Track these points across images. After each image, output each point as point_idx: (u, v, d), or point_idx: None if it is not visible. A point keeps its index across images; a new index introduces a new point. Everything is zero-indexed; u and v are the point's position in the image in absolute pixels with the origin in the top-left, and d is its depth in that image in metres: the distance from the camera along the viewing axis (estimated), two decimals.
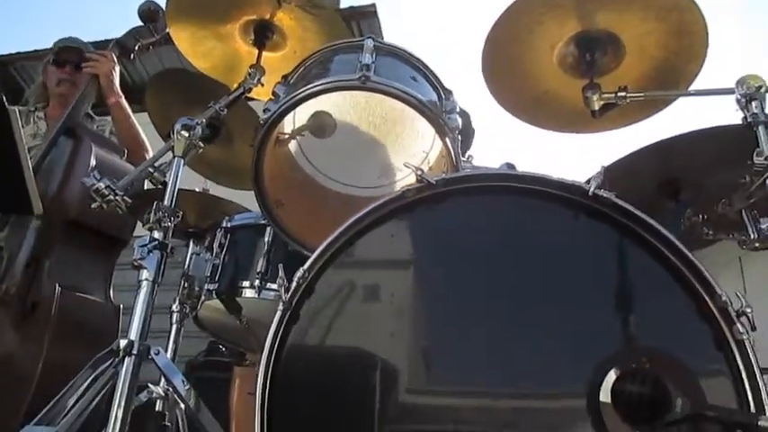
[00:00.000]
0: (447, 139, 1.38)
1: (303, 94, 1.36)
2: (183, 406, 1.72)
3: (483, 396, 1.10)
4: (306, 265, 1.17)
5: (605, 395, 1.07)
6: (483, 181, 1.23)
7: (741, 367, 1.10)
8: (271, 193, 1.50)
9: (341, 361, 1.17)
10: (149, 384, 1.81)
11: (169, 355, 1.96)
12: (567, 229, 1.25)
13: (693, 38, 1.61)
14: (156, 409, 1.86)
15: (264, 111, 1.42)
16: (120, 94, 2.32)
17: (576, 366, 1.14)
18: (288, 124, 1.61)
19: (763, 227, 1.34)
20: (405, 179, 1.63)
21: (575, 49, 1.70)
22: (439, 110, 1.43)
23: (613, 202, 1.20)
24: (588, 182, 1.24)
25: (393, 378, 1.11)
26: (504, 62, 1.73)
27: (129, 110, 2.35)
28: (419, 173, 1.19)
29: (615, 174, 1.69)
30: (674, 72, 1.66)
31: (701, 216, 1.65)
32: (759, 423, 0.99)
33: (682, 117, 1.83)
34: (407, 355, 1.14)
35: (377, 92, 1.35)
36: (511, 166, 1.52)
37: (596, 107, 1.65)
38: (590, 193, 1.19)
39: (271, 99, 1.46)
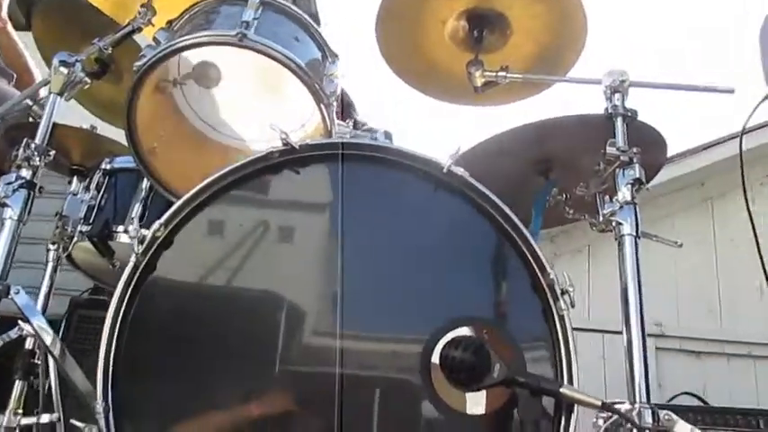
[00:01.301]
0: (321, 105, 1.41)
1: (177, 46, 1.35)
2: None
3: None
4: (162, 219, 1.19)
5: (435, 357, 1.16)
6: (346, 149, 1.28)
7: (560, 339, 1.22)
8: (144, 140, 1.49)
9: (195, 308, 1.21)
10: (19, 321, 1.79)
11: (44, 291, 1.93)
12: (425, 200, 1.32)
13: (574, 27, 1.68)
14: (28, 346, 1.84)
15: (140, 57, 1.40)
16: (7, 20, 2.20)
17: (420, 328, 1.22)
18: (172, 70, 1.60)
19: (605, 211, 1.44)
20: (294, 133, 1.64)
21: (465, 24, 1.75)
22: (319, 73, 1.45)
23: (466, 180, 1.27)
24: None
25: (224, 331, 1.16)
26: (398, 31, 1.76)
27: (15, 36, 2.24)
28: (283, 136, 1.22)
29: (494, 148, 1.79)
30: (556, 57, 1.74)
31: (564, 195, 1.76)
32: (560, 390, 1.11)
33: (572, 99, 1.92)
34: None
35: (253, 50, 1.35)
36: (388, 135, 1.57)
37: (478, 83, 1.71)
38: (445, 170, 1.26)
39: (149, 45, 1.44)
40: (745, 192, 2.01)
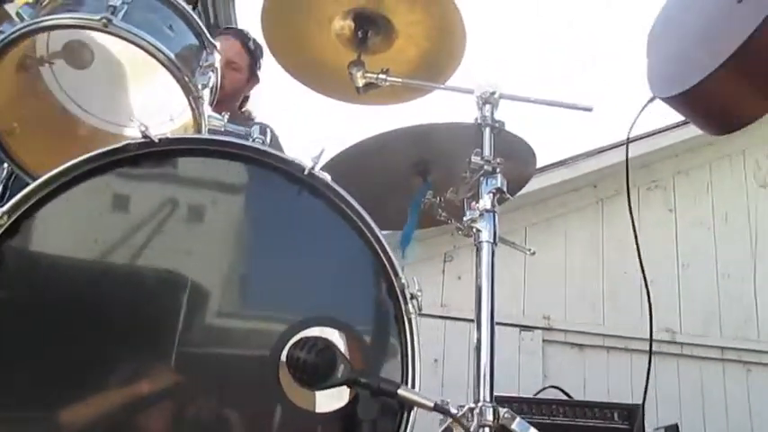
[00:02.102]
0: (191, 98, 1.39)
1: (37, 26, 1.30)
2: None
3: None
4: (6, 207, 1.15)
5: (284, 355, 1.19)
6: (209, 146, 1.27)
7: (408, 341, 1.27)
8: (2, 119, 1.43)
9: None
10: None
11: None
12: (286, 202, 1.33)
13: (454, 36, 1.73)
14: None
15: None
16: None
17: (273, 325, 1.24)
18: (40, 47, 1.53)
19: (466, 218, 1.51)
20: (163, 125, 1.62)
21: (351, 24, 1.77)
22: (192, 64, 1.44)
23: (328, 183, 1.30)
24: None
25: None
26: (284, 25, 1.76)
27: None
28: (142, 128, 1.21)
29: (374, 148, 1.83)
30: (437, 64, 1.79)
31: (438, 198, 1.82)
32: (398, 392, 1.16)
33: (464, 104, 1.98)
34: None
35: (118, 37, 1.32)
36: (263, 130, 1.57)
37: (360, 84, 1.73)
38: (306, 172, 1.28)
39: (8, 21, 1.37)
40: (628, 194, 2.12)
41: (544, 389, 2.69)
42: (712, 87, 1.26)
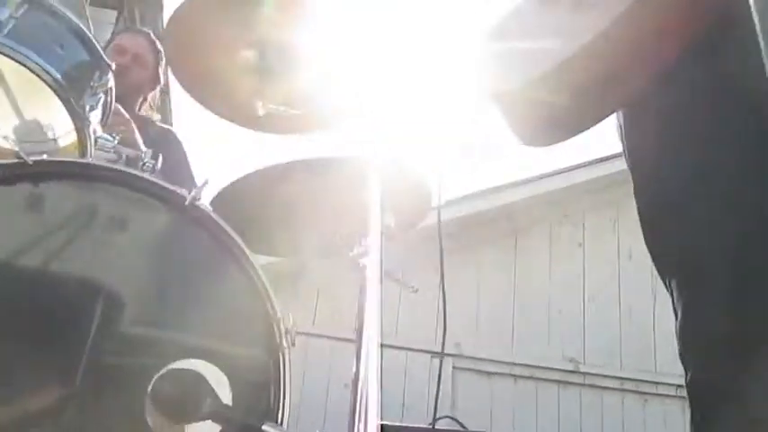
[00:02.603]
0: (76, 120, 1.37)
1: None
2: None
3: None
4: None
5: (149, 388, 1.17)
6: (89, 170, 1.26)
7: (280, 376, 1.29)
8: None
9: None
10: None
11: None
12: (168, 230, 1.33)
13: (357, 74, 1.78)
14: None
15: None
16: None
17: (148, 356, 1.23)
18: None
19: (353, 252, 1.54)
20: (46, 144, 1.58)
21: (256, 52, 1.78)
22: (81, 84, 1.41)
23: (208, 215, 1.30)
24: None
25: None
26: (187, 47, 1.75)
27: None
28: (17, 149, 1.18)
29: (275, 175, 1.84)
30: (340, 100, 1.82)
31: (340, 230, 1.84)
32: (263, 427, 1.17)
33: None
34: None
35: (1, 54, 1.29)
36: (155, 155, 1.55)
37: (260, 113, 1.74)
38: (186, 203, 1.27)
39: None
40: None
41: (439, 419, 2.73)
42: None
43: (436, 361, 4.73)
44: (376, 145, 1.65)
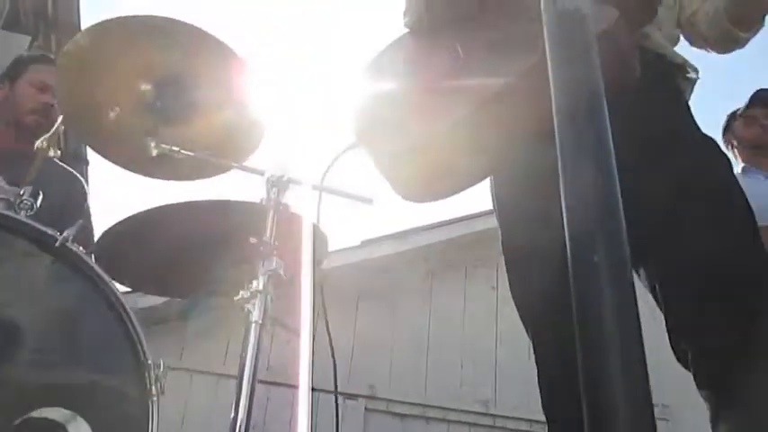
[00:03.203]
0: None
1: None
2: None
3: None
4: None
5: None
6: None
7: (149, 424, 1.26)
8: None
9: None
10: None
11: None
12: (40, 271, 1.29)
13: (255, 116, 1.80)
14: None
15: None
16: None
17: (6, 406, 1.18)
18: None
19: (237, 297, 1.54)
20: None
21: (152, 91, 1.77)
22: None
23: (80, 257, 1.28)
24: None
25: None
26: (79, 83, 1.73)
27: None
28: None
29: (173, 215, 1.82)
30: (236, 144, 1.83)
31: (229, 273, 1.83)
32: None
33: None
34: None
35: None
36: (34, 193, 1.51)
37: (152, 154, 1.73)
38: (57, 244, 1.25)
39: None
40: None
41: None
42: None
43: (349, 402, 4.70)
44: (271, 190, 1.67)
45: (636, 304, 0.49)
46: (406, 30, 1.60)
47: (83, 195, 2.37)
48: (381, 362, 4.87)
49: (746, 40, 1.59)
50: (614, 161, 0.55)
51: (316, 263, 2.00)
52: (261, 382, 4.99)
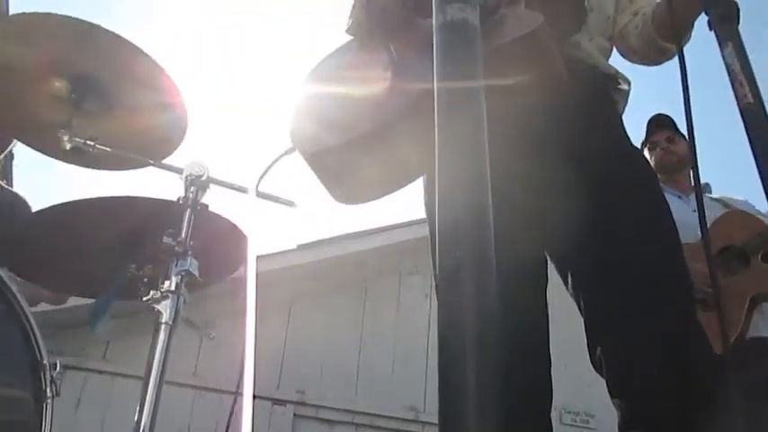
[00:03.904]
0: None
1: None
2: None
3: None
4: None
5: None
6: None
7: (42, 423, 1.21)
8: None
9: None
10: None
11: None
12: None
13: (175, 113, 1.76)
14: None
15: None
16: None
17: None
18: None
19: (147, 297, 1.50)
20: None
21: (68, 85, 1.71)
22: None
23: None
24: None
25: None
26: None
27: None
28: None
29: (85, 211, 1.76)
30: (158, 139, 1.79)
31: (141, 272, 1.78)
32: None
33: None
34: None
35: None
36: None
37: (66, 147, 1.67)
38: None
39: None
40: None
41: None
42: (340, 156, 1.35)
43: (278, 408, 4.64)
44: (189, 189, 1.64)
45: (494, 300, 0.50)
46: (348, 35, 1.61)
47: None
48: (312, 368, 4.83)
49: (674, 52, 1.64)
50: (487, 162, 0.56)
51: (234, 267, 1.97)
52: (187, 386, 4.87)
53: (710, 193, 2.64)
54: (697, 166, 1.00)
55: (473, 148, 0.56)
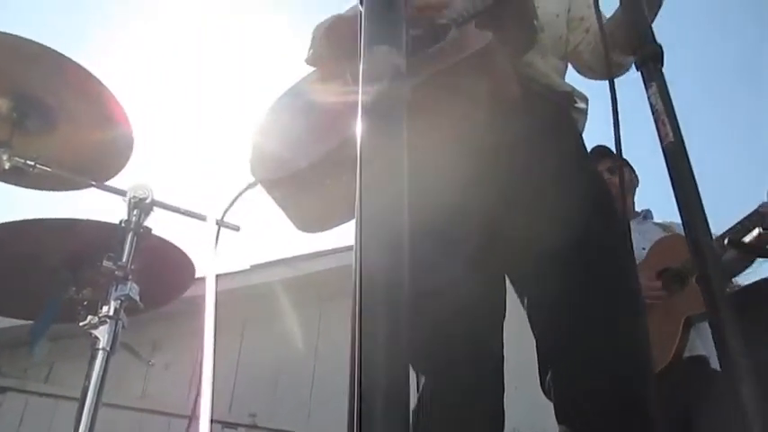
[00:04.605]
0: None
1: None
2: None
3: None
4: None
5: None
6: None
7: None
8: None
9: None
10: None
11: None
12: None
13: (120, 135, 1.74)
14: None
15: None
16: None
17: None
18: None
19: (84, 323, 1.47)
20: None
21: (10, 103, 1.68)
22: None
23: None
24: None
25: None
26: None
27: None
28: None
29: (24, 233, 1.72)
30: (99, 162, 1.76)
31: (80, 295, 1.74)
32: None
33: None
34: None
35: None
36: None
37: (5, 166, 1.63)
38: None
39: None
40: None
41: None
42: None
43: (228, 431, 4.55)
44: (132, 212, 1.62)
45: (404, 327, 0.52)
46: (308, 65, 1.64)
47: None
48: (265, 390, 4.76)
49: (630, 64, 1.65)
50: (405, 192, 0.58)
51: (179, 291, 1.94)
52: (134, 409, 4.73)
53: (652, 218, 2.73)
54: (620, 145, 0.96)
55: (394, 177, 0.58)
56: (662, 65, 0.94)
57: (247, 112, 1.54)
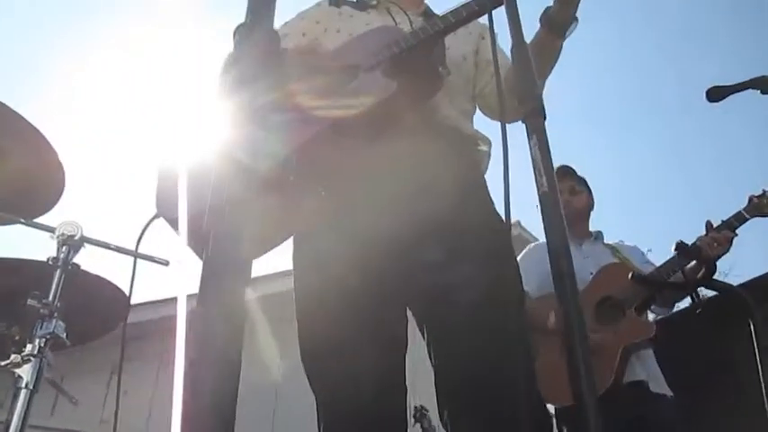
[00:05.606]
0: None
1: None
2: None
3: None
4: None
5: None
6: None
7: None
8: None
9: None
10: None
11: None
12: None
13: (50, 172, 1.75)
14: None
15: None
16: None
17: None
18: None
19: (5, 362, 1.48)
20: None
21: None
22: None
23: None
24: None
25: None
26: None
27: None
28: None
29: None
30: (29, 199, 1.77)
31: (10, 332, 1.74)
32: None
33: None
34: None
35: None
36: None
37: None
38: None
39: None
40: None
41: None
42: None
43: None
44: (60, 249, 1.63)
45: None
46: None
47: None
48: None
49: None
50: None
51: (113, 324, 1.94)
52: None
53: (603, 239, 2.78)
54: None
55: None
56: (544, 118, 0.98)
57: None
